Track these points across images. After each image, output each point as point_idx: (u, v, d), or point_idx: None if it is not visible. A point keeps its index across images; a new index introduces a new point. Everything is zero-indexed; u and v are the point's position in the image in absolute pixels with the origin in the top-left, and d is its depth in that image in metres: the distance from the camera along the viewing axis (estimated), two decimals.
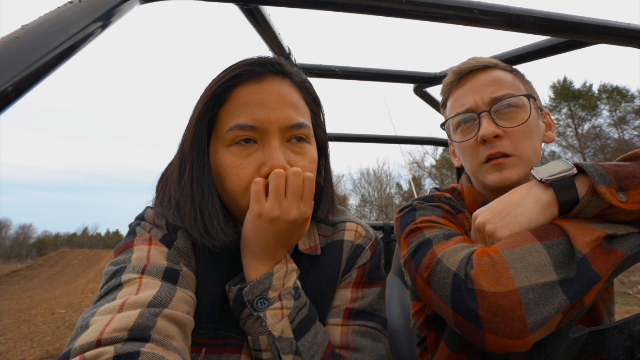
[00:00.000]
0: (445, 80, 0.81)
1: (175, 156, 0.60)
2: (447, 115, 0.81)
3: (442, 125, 0.83)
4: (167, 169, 0.63)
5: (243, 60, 0.59)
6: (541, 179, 0.56)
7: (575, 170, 0.54)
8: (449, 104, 0.80)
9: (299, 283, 0.56)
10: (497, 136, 0.69)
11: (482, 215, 0.61)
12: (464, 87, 0.76)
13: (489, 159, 0.70)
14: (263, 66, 0.58)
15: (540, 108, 0.78)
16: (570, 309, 0.48)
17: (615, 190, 0.50)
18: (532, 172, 0.59)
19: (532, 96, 0.73)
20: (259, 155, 0.55)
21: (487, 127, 0.69)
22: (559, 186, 0.54)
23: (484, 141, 0.70)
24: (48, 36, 0.35)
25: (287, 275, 0.54)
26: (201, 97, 0.58)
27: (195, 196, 0.54)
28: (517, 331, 0.46)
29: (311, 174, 0.54)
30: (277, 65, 0.59)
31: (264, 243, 0.53)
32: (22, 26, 0.34)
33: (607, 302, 0.70)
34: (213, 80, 0.59)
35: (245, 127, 0.54)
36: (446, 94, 0.82)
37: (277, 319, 0.51)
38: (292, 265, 0.56)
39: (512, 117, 0.71)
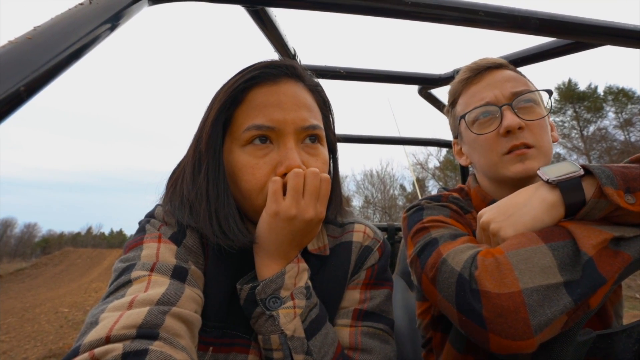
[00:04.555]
0: (459, 77, 0.81)
1: (188, 156, 0.61)
2: (459, 112, 0.80)
3: (462, 118, 0.78)
4: (177, 168, 0.64)
5: (258, 63, 0.60)
6: (547, 180, 0.56)
7: (582, 172, 0.54)
8: (461, 100, 0.80)
9: (309, 283, 0.56)
10: (520, 128, 0.70)
11: (487, 214, 0.61)
12: (481, 83, 0.77)
13: (510, 150, 0.70)
14: (278, 69, 0.59)
15: None
16: (575, 310, 0.47)
17: (623, 192, 0.50)
18: (539, 172, 0.59)
19: (551, 91, 0.75)
20: (274, 156, 0.56)
21: (512, 118, 0.70)
22: (566, 187, 0.54)
23: (507, 133, 0.70)
24: (59, 37, 0.35)
25: (298, 274, 0.55)
26: (217, 98, 0.59)
27: (211, 196, 0.55)
28: (521, 332, 0.46)
29: (328, 175, 0.55)
30: (291, 69, 0.61)
31: (279, 242, 0.53)
32: (34, 27, 0.35)
33: (615, 304, 0.70)
34: (229, 81, 0.60)
35: (262, 127, 0.55)
36: (459, 91, 0.81)
37: (289, 318, 0.51)
38: (304, 265, 0.56)
39: (531, 111, 0.72)
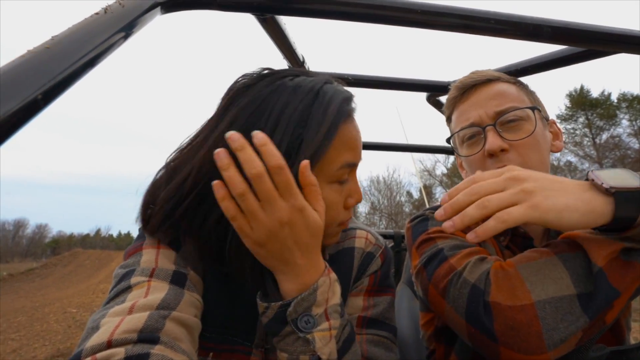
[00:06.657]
0: (449, 95, 0.81)
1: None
2: (452, 129, 0.80)
3: (448, 140, 0.83)
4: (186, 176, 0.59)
5: (336, 93, 0.55)
6: (602, 184, 0.46)
7: None
8: (453, 118, 0.80)
9: (342, 299, 0.52)
10: (503, 150, 0.68)
11: (526, 171, 0.50)
12: (468, 102, 0.75)
13: None
14: None
15: (545, 118, 0.77)
16: (590, 326, 0.46)
17: None
18: (592, 175, 0.49)
19: (537, 108, 0.72)
20: (344, 188, 0.57)
21: (493, 141, 0.68)
22: (623, 199, 0.45)
23: (491, 155, 0.69)
24: (76, 46, 0.36)
25: (330, 287, 0.49)
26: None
27: None
28: (534, 347, 0.45)
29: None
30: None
31: (286, 248, 0.49)
32: (52, 37, 0.36)
33: (627, 317, 0.68)
34: (321, 107, 0.53)
35: (353, 165, 0.56)
36: (450, 108, 0.81)
37: (325, 342, 0.47)
38: (334, 275, 0.51)
39: (518, 129, 0.69)
